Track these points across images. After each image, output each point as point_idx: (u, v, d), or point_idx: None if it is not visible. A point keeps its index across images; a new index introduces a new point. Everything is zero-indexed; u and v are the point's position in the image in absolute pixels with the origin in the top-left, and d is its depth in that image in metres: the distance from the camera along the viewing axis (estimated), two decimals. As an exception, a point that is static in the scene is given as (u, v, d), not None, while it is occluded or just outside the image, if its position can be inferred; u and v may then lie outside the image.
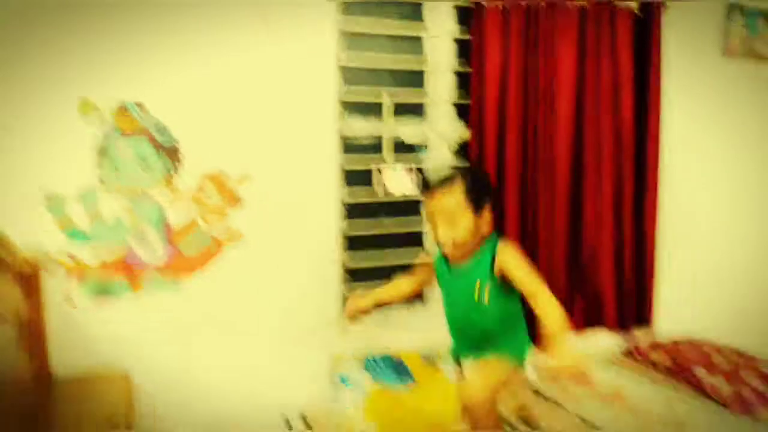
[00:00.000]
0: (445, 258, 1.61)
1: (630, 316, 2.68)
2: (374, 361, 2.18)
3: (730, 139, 2.79)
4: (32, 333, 1.70)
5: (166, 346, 1.99)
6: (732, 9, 2.71)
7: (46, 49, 1.80)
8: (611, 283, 2.64)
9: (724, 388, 2.10)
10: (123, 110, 1.86)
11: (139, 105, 1.88)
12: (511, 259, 1.51)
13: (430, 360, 2.23)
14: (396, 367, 2.15)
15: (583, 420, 2.02)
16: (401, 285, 1.75)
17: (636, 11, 2.49)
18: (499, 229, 2.31)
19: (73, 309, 1.87)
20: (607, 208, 2.57)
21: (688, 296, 2.75)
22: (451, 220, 1.48)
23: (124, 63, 1.87)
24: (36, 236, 1.80)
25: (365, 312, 1.71)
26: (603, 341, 2.66)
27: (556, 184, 2.47)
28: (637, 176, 2.60)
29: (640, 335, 2.64)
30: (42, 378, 1.74)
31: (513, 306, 1.59)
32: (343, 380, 2.07)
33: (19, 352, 1.60)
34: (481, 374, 1.57)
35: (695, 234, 2.78)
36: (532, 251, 2.42)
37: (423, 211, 1.63)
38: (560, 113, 2.42)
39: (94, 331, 1.90)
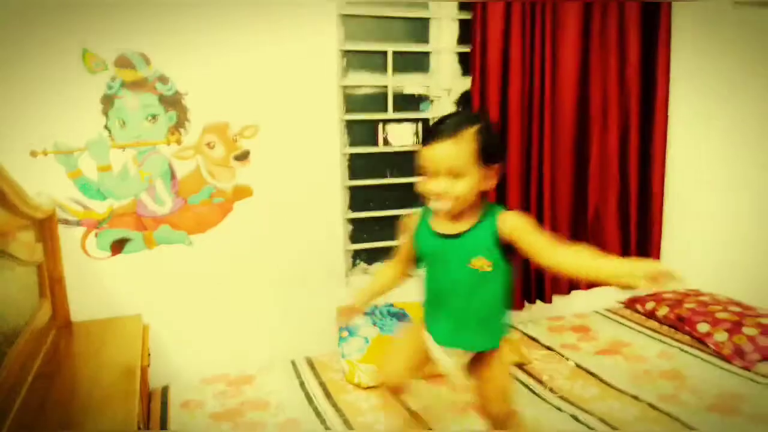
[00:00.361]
0: (429, 226, 1.39)
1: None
2: (378, 311, 2.24)
3: (740, 94, 2.74)
4: (51, 278, 1.78)
5: (178, 295, 2.07)
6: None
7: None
8: (616, 241, 2.65)
9: (725, 341, 2.14)
10: (125, 61, 1.88)
11: (142, 55, 1.90)
12: (520, 223, 1.31)
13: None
14: (398, 317, 2.21)
15: (581, 368, 2.08)
16: (388, 273, 1.54)
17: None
18: (501, 187, 2.37)
19: (87, 258, 1.95)
20: (613, 167, 2.57)
21: (693, 255, 2.76)
22: (456, 173, 1.27)
23: (127, 13, 1.88)
24: (49, 187, 1.86)
25: (360, 311, 1.55)
26: (606, 296, 2.71)
27: (560, 140, 2.47)
28: (643, 134, 2.58)
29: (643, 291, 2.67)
30: (61, 322, 1.83)
31: (505, 283, 1.38)
32: (347, 329, 2.14)
33: (39, 296, 1.69)
34: (491, 368, 1.42)
35: (701, 192, 2.77)
36: (537, 209, 2.45)
37: (420, 163, 1.31)
38: (565, 66, 2.39)
39: (109, 280, 1.98)
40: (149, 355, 1.86)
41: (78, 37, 1.84)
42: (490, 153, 1.29)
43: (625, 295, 2.70)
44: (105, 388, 1.46)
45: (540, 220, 2.45)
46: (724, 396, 1.85)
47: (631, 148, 2.56)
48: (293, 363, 2.16)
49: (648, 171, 2.61)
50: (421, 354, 1.48)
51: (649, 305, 2.53)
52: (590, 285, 2.66)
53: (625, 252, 2.66)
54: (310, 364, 2.15)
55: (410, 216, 1.46)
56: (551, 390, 1.92)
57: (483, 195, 1.35)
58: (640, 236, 2.66)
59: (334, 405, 1.85)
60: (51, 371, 1.54)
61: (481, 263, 1.32)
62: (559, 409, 1.80)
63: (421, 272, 1.46)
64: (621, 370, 2.06)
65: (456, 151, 1.26)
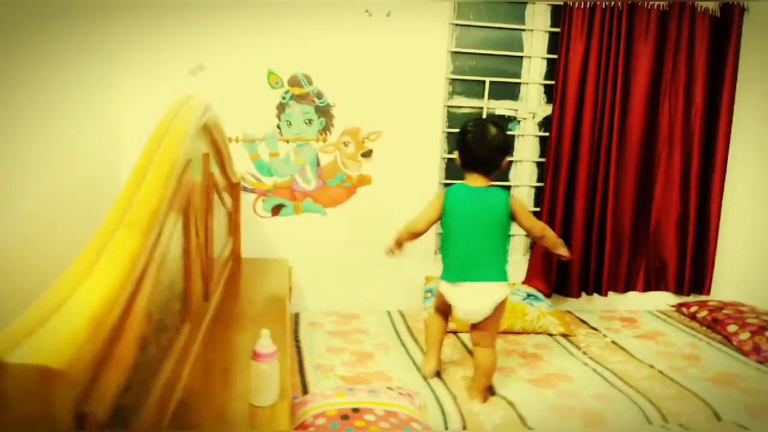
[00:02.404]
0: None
1: (689, 284, 3.11)
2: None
3: None
4: (234, 224, 2.63)
5: (313, 249, 2.85)
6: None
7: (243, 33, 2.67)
8: (674, 253, 3.08)
9: (747, 339, 2.54)
10: (296, 80, 2.70)
11: (307, 76, 2.71)
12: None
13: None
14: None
15: (616, 344, 2.58)
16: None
17: (714, 13, 2.89)
18: (570, 193, 2.92)
19: (256, 216, 2.78)
20: (675, 185, 3.01)
21: (746, 270, 3.12)
22: None
23: (300, 43, 2.69)
24: (237, 164, 2.71)
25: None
26: (660, 300, 3.14)
27: (627, 158, 2.96)
28: (705, 156, 3.00)
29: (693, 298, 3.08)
30: (236, 255, 2.67)
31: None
32: (429, 291, 2.80)
33: (228, 235, 2.53)
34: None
35: (756, 213, 3.12)
36: (601, 218, 2.96)
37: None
38: (635, 96, 2.89)
39: (268, 232, 2.80)
40: (291, 288, 2.66)
41: (265, 63, 2.68)
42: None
43: (675, 300, 3.11)
44: (260, 307, 2.18)
45: (603, 222, 2.97)
46: (726, 374, 2.28)
47: (692, 169, 2.99)
48: (388, 312, 2.86)
49: (707, 190, 3.03)
50: None
51: (693, 309, 2.94)
52: (645, 288, 3.13)
53: (682, 263, 3.08)
54: (401, 313, 2.84)
55: None
56: (584, 352, 2.46)
57: None
58: (696, 251, 3.07)
59: (414, 338, 2.52)
60: (230, 282, 2.36)
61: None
62: (586, 364, 2.34)
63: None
64: (648, 348, 2.53)
65: None
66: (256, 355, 1.34)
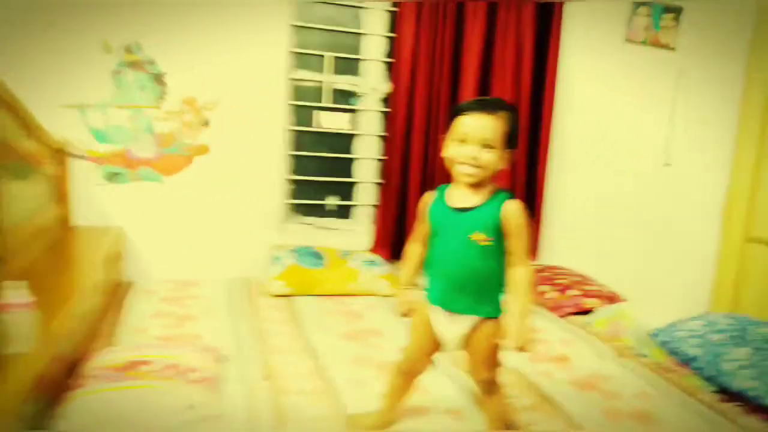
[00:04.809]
0: (444, 201, 1.55)
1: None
2: (301, 249, 2.98)
3: (622, 95, 3.44)
4: (60, 191, 2.59)
5: (151, 217, 2.86)
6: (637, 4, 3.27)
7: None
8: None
9: (551, 299, 2.81)
10: (129, 49, 2.68)
11: (139, 45, 2.69)
12: (515, 219, 1.48)
13: (344, 255, 3.01)
14: (315, 254, 2.95)
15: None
16: (416, 251, 1.66)
17: None
18: (407, 165, 3.08)
19: (91, 183, 2.75)
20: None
21: (570, 236, 3.43)
22: (487, 144, 1.45)
23: (134, 14, 2.67)
24: (71, 131, 2.66)
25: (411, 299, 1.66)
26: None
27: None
28: (531, 128, 3.23)
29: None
30: (64, 223, 2.63)
31: (500, 260, 1.52)
32: (274, 258, 2.89)
33: (50, 202, 2.49)
34: (482, 338, 1.55)
35: (580, 181, 3.44)
36: (431, 182, 3.15)
37: (453, 130, 1.49)
38: (467, 72, 3.07)
39: (105, 200, 2.78)
40: (121, 253, 2.66)
41: (98, 30, 2.64)
42: (512, 138, 1.49)
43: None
44: (63, 272, 2.19)
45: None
46: (523, 327, 2.52)
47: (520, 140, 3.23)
48: (231, 280, 2.92)
49: (534, 159, 3.28)
50: (433, 338, 1.61)
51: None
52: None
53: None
54: (244, 281, 2.91)
55: (427, 196, 1.62)
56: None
57: (493, 177, 1.52)
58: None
59: (249, 303, 2.61)
60: (51, 248, 2.34)
61: (479, 237, 1.49)
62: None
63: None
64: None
65: (493, 125, 1.46)
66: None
